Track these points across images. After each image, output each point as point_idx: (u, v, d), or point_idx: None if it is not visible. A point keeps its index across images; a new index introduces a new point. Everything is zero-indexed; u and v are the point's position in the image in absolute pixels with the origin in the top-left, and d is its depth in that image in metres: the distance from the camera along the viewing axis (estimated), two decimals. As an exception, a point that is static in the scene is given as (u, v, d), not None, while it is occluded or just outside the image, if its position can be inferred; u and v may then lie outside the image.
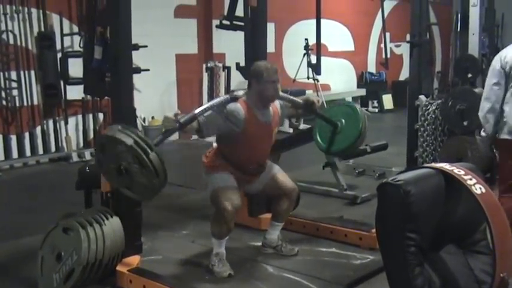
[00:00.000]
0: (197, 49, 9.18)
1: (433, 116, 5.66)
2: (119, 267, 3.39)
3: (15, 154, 7.10)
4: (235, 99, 3.53)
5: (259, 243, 3.99)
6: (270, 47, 8.21)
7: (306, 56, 9.63)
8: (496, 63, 3.79)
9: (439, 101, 5.71)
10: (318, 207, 5.01)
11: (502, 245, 2.16)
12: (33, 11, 7.18)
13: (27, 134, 7.21)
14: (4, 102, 7.02)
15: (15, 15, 7.04)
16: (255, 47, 4.61)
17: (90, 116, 7.75)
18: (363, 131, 4.45)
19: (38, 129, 7.33)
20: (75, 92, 7.13)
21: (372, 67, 12.91)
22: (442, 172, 2.30)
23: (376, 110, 12.43)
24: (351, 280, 3.50)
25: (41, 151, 7.33)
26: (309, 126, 5.52)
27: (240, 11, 5.32)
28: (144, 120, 8.31)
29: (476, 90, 5.58)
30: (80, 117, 7.68)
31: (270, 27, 8.11)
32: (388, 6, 12.22)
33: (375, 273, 3.50)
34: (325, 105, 9.42)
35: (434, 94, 11.50)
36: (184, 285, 3.45)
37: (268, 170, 3.82)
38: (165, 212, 4.99)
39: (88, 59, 3.73)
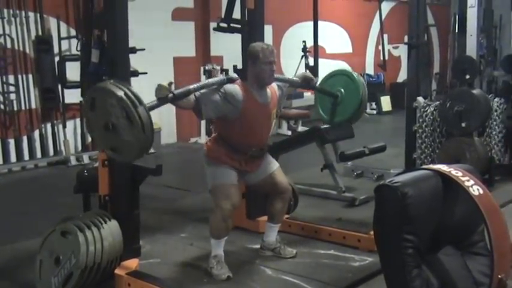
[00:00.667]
0: (195, 52, 9.18)
1: (431, 117, 5.67)
2: (117, 271, 3.38)
3: (13, 158, 7.10)
4: (231, 80, 3.52)
5: (258, 246, 3.99)
6: (268, 50, 8.21)
7: (303, 58, 9.64)
8: None
9: (437, 102, 5.72)
10: (316, 209, 5.01)
11: (500, 247, 2.16)
12: (31, 14, 7.18)
13: (25, 138, 7.21)
14: (2, 106, 7.02)
15: (13, 19, 7.04)
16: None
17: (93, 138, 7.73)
18: (364, 98, 4.42)
19: (36, 133, 7.32)
20: (73, 96, 7.12)
21: (370, 69, 12.92)
22: (440, 174, 2.31)
23: (374, 112, 12.46)
24: (349, 282, 3.50)
25: (39, 155, 7.33)
26: (307, 128, 5.52)
27: (237, 14, 5.32)
28: (142, 123, 8.29)
29: (475, 91, 5.59)
30: (78, 120, 7.68)
31: (268, 30, 8.11)
32: (385, 8, 12.24)
33: (373, 275, 3.50)
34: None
35: (432, 96, 11.55)
36: (182, 288, 3.45)
37: (268, 163, 3.82)
38: (163, 215, 4.98)
39: (85, 62, 3.73)
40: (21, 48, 7.14)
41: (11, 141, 7.09)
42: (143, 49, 3.91)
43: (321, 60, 9.46)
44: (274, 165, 3.86)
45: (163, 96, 3.25)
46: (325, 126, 5.16)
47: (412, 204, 2.16)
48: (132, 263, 3.46)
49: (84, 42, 3.85)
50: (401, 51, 12.16)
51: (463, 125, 5.39)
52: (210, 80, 3.48)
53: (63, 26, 7.46)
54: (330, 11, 11.32)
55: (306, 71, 9.50)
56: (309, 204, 5.06)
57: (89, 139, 7.76)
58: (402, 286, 2.20)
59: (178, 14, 8.84)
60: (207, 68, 8.91)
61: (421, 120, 5.70)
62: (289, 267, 3.71)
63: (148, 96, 8.01)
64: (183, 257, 3.95)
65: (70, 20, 7.53)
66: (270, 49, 3.57)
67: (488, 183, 5.41)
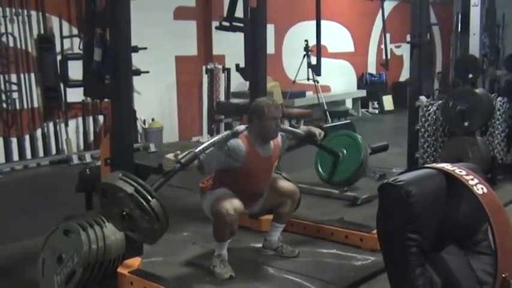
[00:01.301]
0: (197, 51, 9.17)
1: (434, 116, 5.67)
2: (119, 269, 3.38)
3: (15, 157, 7.10)
4: (236, 134, 3.54)
5: (260, 245, 3.98)
6: (270, 48, 8.24)
7: (306, 57, 9.62)
8: None
9: (440, 101, 5.71)
10: (318, 209, 5.00)
11: (504, 246, 2.16)
12: (33, 13, 7.17)
13: (27, 137, 7.21)
14: (4, 105, 7.02)
15: (15, 18, 7.04)
16: (254, 49, 4.61)
17: (91, 118, 7.75)
18: (365, 161, 4.47)
19: (39, 131, 7.33)
20: (75, 95, 7.13)
21: (372, 68, 12.91)
22: (443, 172, 2.30)
23: (377, 111, 12.44)
24: (351, 281, 3.49)
25: (41, 153, 7.33)
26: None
27: (239, 12, 5.32)
28: (144, 122, 8.31)
29: (477, 90, 5.58)
30: (80, 119, 7.68)
31: (270, 29, 8.11)
32: (388, 6, 12.22)
33: (375, 275, 3.49)
34: (325, 106, 9.46)
35: (434, 95, 11.53)
36: (185, 287, 3.44)
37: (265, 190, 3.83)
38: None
39: (88, 61, 3.72)
40: (23, 47, 7.14)
41: (14, 140, 7.09)
42: (145, 48, 3.92)
43: (323, 59, 9.45)
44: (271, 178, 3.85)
45: (170, 169, 3.26)
46: (327, 125, 5.17)
47: (415, 203, 2.16)
48: (135, 262, 3.46)
49: (87, 40, 3.83)
50: (404, 51, 12.14)
51: (466, 124, 5.38)
52: (215, 139, 3.49)
53: (66, 25, 7.46)
54: (332, 10, 11.31)
55: (308, 70, 9.53)
56: (311, 203, 5.06)
57: (91, 138, 7.77)
58: (405, 285, 2.20)
59: (180, 13, 8.84)
60: (209, 67, 8.91)
61: (423, 119, 5.69)
62: (292, 267, 3.71)
63: (150, 96, 8.03)
64: (186, 255, 3.95)
65: (72, 18, 7.53)
66: (275, 104, 3.58)
67: (491, 182, 5.39)
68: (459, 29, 6.54)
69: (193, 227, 4.54)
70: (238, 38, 5.16)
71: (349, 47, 12.38)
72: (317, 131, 3.96)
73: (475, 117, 5.39)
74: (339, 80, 11.95)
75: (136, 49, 3.63)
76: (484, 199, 2.16)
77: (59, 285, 3.20)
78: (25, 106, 7.19)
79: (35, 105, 7.27)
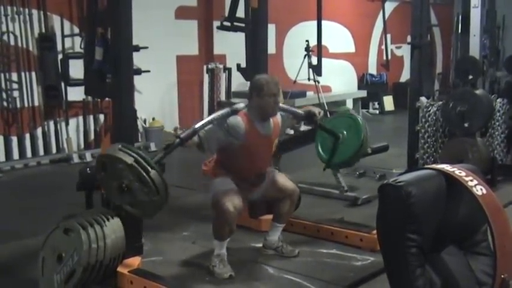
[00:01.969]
0: (198, 50, 9.18)
1: (434, 117, 5.67)
2: (119, 268, 3.38)
3: (16, 155, 7.10)
4: (235, 112, 3.54)
5: (260, 245, 3.99)
6: (271, 49, 8.22)
7: (306, 57, 9.63)
8: None
9: (440, 102, 5.71)
10: (318, 209, 5.00)
11: (503, 246, 2.16)
12: (34, 12, 7.17)
13: (28, 135, 7.21)
14: (5, 104, 7.02)
15: (16, 17, 7.04)
16: (255, 49, 4.61)
17: (91, 117, 7.75)
18: (365, 141, 4.45)
19: (39, 130, 7.33)
20: (76, 93, 7.13)
21: (372, 69, 12.91)
22: (443, 173, 2.31)
23: (377, 112, 12.44)
24: (351, 281, 3.50)
25: (41, 152, 7.33)
26: (309, 127, 5.52)
27: (240, 12, 5.32)
28: (144, 121, 8.31)
29: (477, 92, 5.59)
30: (80, 118, 7.68)
31: (271, 29, 8.10)
32: (389, 7, 12.23)
33: (375, 275, 3.50)
34: (326, 106, 9.46)
35: (435, 96, 11.50)
36: (185, 287, 3.45)
37: (267, 176, 3.83)
38: (165, 213, 4.93)
39: (89, 60, 3.72)
40: (24, 46, 7.14)
41: (14, 139, 7.09)
42: (147, 47, 3.93)
43: (324, 60, 9.47)
44: (272, 173, 3.86)
45: (170, 144, 3.27)
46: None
47: (415, 203, 2.17)
48: (135, 261, 3.47)
49: (88, 40, 3.84)
50: (404, 51, 12.14)
51: (466, 125, 5.39)
52: (214, 115, 3.50)
53: (67, 24, 7.46)
54: (333, 11, 11.31)
55: (308, 70, 9.53)
56: (311, 203, 5.06)
57: (92, 137, 7.77)
58: (405, 285, 2.20)
59: (182, 13, 8.84)
60: (210, 66, 8.91)
61: (423, 120, 5.70)
62: (292, 266, 3.71)
63: (151, 95, 8.02)
64: (186, 255, 3.95)
65: (73, 17, 7.53)
66: (274, 81, 3.59)
67: (490, 183, 5.40)
68: (459, 30, 6.54)
69: (193, 226, 4.54)
70: (239, 37, 5.16)
71: (350, 48, 12.38)
72: (317, 110, 3.96)
73: (475, 118, 5.39)
74: (340, 81, 11.95)
75: (137, 48, 3.63)
76: (484, 200, 2.16)
77: (58, 284, 3.20)
78: (26, 105, 7.19)
79: (36, 103, 7.27)
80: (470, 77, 5.73)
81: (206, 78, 8.93)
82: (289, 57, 10.54)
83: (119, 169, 3.02)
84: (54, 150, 7.45)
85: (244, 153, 3.58)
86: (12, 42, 7.04)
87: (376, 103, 12.51)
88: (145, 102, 7.99)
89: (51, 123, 7.42)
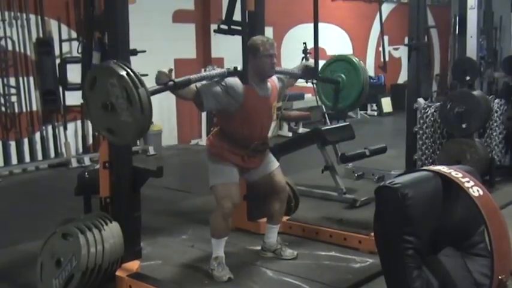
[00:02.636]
0: (195, 54, 9.19)
1: (432, 118, 5.67)
2: (118, 273, 3.38)
3: (14, 160, 7.11)
4: (233, 73, 3.52)
5: (259, 247, 3.99)
6: (269, 51, 8.21)
7: (304, 59, 9.63)
8: None
9: (438, 103, 5.72)
10: (317, 211, 5.01)
11: (500, 247, 2.17)
12: (32, 17, 7.19)
13: (26, 140, 7.22)
14: (3, 109, 7.03)
15: (14, 22, 7.05)
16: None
17: (89, 121, 7.75)
18: (365, 82, 4.40)
19: (37, 135, 7.33)
20: (74, 98, 7.13)
21: (370, 70, 12.92)
22: (440, 175, 2.31)
23: (375, 113, 12.46)
24: (350, 284, 3.50)
25: (40, 157, 7.34)
26: (307, 130, 5.54)
27: (237, 16, 5.33)
28: (143, 125, 8.29)
29: (475, 92, 5.59)
30: (79, 122, 7.69)
31: (268, 32, 8.10)
32: (386, 9, 12.25)
33: (374, 277, 3.50)
34: (324, 109, 9.46)
35: (432, 97, 11.55)
36: (183, 290, 3.45)
37: (269, 161, 3.83)
38: (164, 217, 4.99)
39: (86, 64, 3.73)
40: (22, 51, 7.15)
41: (12, 143, 7.10)
42: (144, 51, 3.92)
43: (321, 62, 9.44)
44: (274, 164, 3.87)
45: (163, 82, 3.23)
46: (325, 127, 5.15)
47: (412, 205, 2.17)
48: (133, 265, 3.46)
49: (85, 44, 3.85)
50: (402, 53, 12.17)
51: (464, 126, 5.39)
52: (212, 72, 3.47)
53: (64, 28, 7.47)
54: (331, 13, 11.33)
55: (302, 61, 9.53)
56: (309, 205, 5.07)
57: (90, 141, 7.77)
58: (403, 287, 2.21)
59: (179, 16, 8.85)
60: (207, 70, 8.91)
61: (421, 121, 5.70)
62: (290, 269, 3.71)
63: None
64: (184, 258, 3.95)
65: (71, 22, 7.54)
66: (270, 42, 3.59)
67: (488, 184, 5.42)
68: (457, 32, 6.57)
69: (192, 230, 4.54)
70: (237, 41, 5.15)
71: (348, 50, 12.38)
72: (312, 62, 3.97)
73: (473, 119, 5.40)
74: (338, 83, 11.94)
75: (135, 52, 3.63)
76: (480, 201, 2.17)
77: (57, 289, 3.20)
78: (24, 109, 7.20)
79: (34, 108, 7.28)
80: (468, 78, 5.74)
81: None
82: (286, 60, 10.50)
83: (109, 83, 2.93)
84: (52, 154, 7.45)
85: (244, 115, 3.54)
86: (10, 47, 7.05)
87: (374, 105, 12.54)
88: (144, 106, 7.98)
89: (50, 128, 7.42)
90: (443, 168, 2.33)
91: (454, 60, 8.54)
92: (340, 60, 4.62)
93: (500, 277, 2.14)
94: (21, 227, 4.81)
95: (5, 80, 7.03)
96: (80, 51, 4.16)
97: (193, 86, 3.38)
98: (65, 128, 7.50)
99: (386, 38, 10.84)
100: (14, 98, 7.10)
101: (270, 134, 3.97)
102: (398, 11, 12.57)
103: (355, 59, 4.53)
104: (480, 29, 6.33)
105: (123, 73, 2.89)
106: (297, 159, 6.01)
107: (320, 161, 5.49)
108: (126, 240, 3.37)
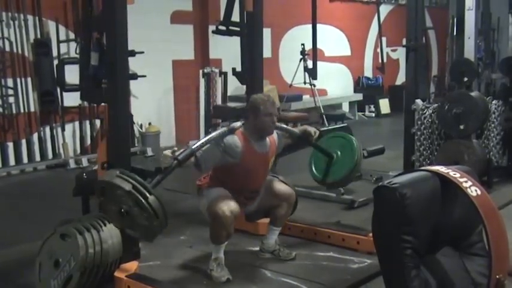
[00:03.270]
0: (194, 55, 9.19)
1: (430, 120, 5.69)
2: (117, 273, 3.38)
3: (12, 161, 7.10)
4: (232, 131, 3.56)
5: (257, 248, 3.99)
6: (267, 52, 8.25)
7: (302, 61, 9.66)
8: None
9: (436, 105, 5.73)
10: (315, 212, 5.01)
11: (498, 247, 2.17)
12: (29, 17, 7.18)
13: (24, 141, 7.21)
14: (1, 110, 7.02)
15: (11, 22, 7.05)
16: (251, 52, 4.62)
17: (87, 122, 7.75)
18: (358, 163, 4.49)
19: (35, 136, 7.32)
20: (71, 99, 7.12)
21: (368, 72, 12.94)
22: (438, 175, 2.32)
23: (373, 115, 12.47)
24: (348, 284, 3.50)
25: (38, 158, 7.33)
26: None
27: (236, 17, 5.33)
28: (141, 126, 8.32)
29: (473, 94, 5.60)
30: (77, 123, 7.69)
31: (267, 33, 8.12)
32: (384, 10, 12.27)
33: (372, 277, 3.50)
34: (322, 110, 9.48)
35: (430, 98, 11.59)
36: (182, 291, 3.45)
37: (262, 187, 3.84)
38: (162, 218, 4.98)
39: (84, 65, 3.73)
40: (19, 52, 7.15)
41: (10, 145, 7.09)
42: (142, 52, 3.93)
43: (319, 63, 9.48)
44: (266, 180, 3.86)
45: (167, 166, 3.30)
46: (324, 128, 5.17)
47: (410, 205, 2.17)
48: (132, 266, 3.47)
49: (83, 45, 3.84)
50: (400, 54, 12.17)
51: (462, 127, 5.40)
52: (212, 135, 3.52)
53: (62, 29, 7.47)
54: (329, 14, 11.35)
55: (304, 74, 9.55)
56: (308, 206, 5.06)
57: (88, 142, 7.77)
58: (401, 287, 2.21)
59: (177, 17, 8.85)
60: (205, 71, 8.92)
61: (419, 122, 5.71)
62: (289, 270, 3.72)
63: (147, 100, 8.03)
64: (183, 259, 3.95)
65: (69, 23, 7.53)
66: (271, 101, 3.61)
67: (486, 185, 5.42)
68: (454, 33, 6.58)
69: (190, 230, 4.54)
70: (235, 42, 5.17)
71: (346, 51, 12.41)
72: (312, 130, 3.99)
73: (471, 120, 5.41)
74: (336, 84, 11.98)
75: (133, 53, 3.64)
76: (478, 201, 2.17)
77: (56, 289, 3.20)
78: (21, 110, 7.20)
79: (32, 109, 7.28)
80: (466, 79, 5.75)
81: (202, 82, 8.94)
82: (284, 61, 10.56)
83: (118, 195, 3.05)
84: (50, 155, 7.45)
85: (241, 171, 3.59)
86: (7, 48, 7.05)
87: (372, 106, 12.55)
88: (142, 107, 8.00)
89: (47, 129, 7.41)
90: (441, 168, 2.33)
91: (452, 61, 8.57)
92: (339, 137, 4.71)
93: (498, 277, 2.15)
94: (19, 227, 4.81)
95: (3, 80, 7.02)
96: (78, 52, 4.15)
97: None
98: (63, 129, 7.50)
99: (384, 39, 10.86)
100: (11, 99, 7.09)
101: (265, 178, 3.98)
102: (397, 12, 12.59)
103: (353, 139, 4.61)
104: (478, 30, 6.34)
105: (129, 188, 3.00)
106: (295, 160, 6.00)
107: (318, 161, 5.49)
108: (124, 240, 3.37)
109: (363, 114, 12.35)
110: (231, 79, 7.86)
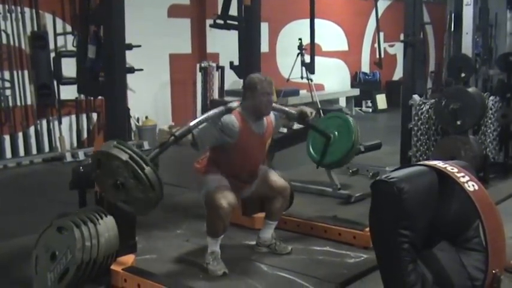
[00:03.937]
0: (191, 49, 9.17)
1: (427, 115, 5.69)
2: (113, 266, 3.38)
3: (8, 154, 7.08)
4: (229, 110, 3.55)
5: (253, 242, 4.00)
6: (264, 47, 8.25)
7: (299, 55, 9.64)
8: None
9: (433, 100, 5.73)
10: (312, 207, 5.02)
11: (495, 242, 2.18)
12: (26, 10, 7.16)
13: (20, 134, 7.19)
14: (-3, 102, 7.01)
15: (8, 15, 7.02)
16: (248, 47, 4.61)
17: (84, 115, 7.74)
18: (356, 142, 4.48)
19: (32, 129, 7.31)
20: (68, 92, 7.11)
21: (365, 67, 12.94)
22: (435, 169, 2.32)
23: (370, 110, 12.47)
24: (344, 278, 3.51)
25: (34, 151, 7.31)
26: (302, 126, 5.54)
27: (233, 11, 5.32)
28: (137, 120, 8.30)
29: (470, 89, 5.61)
30: (73, 117, 7.67)
31: (264, 27, 8.10)
32: (381, 5, 12.24)
33: (368, 272, 3.51)
34: (319, 105, 9.47)
35: (427, 94, 11.59)
36: (179, 284, 3.45)
37: (259, 174, 3.84)
38: (159, 211, 4.93)
39: (81, 58, 3.72)
40: (16, 44, 7.12)
41: (7, 138, 7.07)
42: (139, 46, 3.92)
43: (317, 58, 9.47)
44: (264, 169, 3.88)
45: (164, 141, 3.29)
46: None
47: (407, 199, 2.18)
48: (128, 259, 3.47)
49: (80, 38, 3.83)
50: (397, 50, 12.16)
51: (458, 123, 5.41)
52: (209, 114, 3.51)
53: (59, 22, 7.44)
54: (326, 9, 11.32)
55: (302, 69, 9.53)
56: (304, 201, 5.07)
57: (85, 135, 7.76)
58: (397, 281, 2.21)
59: (175, 11, 8.83)
60: (203, 65, 8.91)
61: (416, 118, 5.71)
62: (285, 264, 3.72)
63: (144, 94, 8.01)
64: (179, 253, 3.96)
65: (66, 15, 7.51)
66: (267, 80, 3.61)
67: (483, 181, 5.43)
68: (452, 28, 6.57)
69: (187, 224, 4.54)
70: (232, 36, 5.15)
71: (343, 46, 12.40)
72: (309, 110, 3.98)
73: (468, 116, 5.41)
74: (333, 79, 11.97)
75: (130, 47, 3.64)
76: (475, 196, 2.17)
77: (52, 283, 3.19)
78: (18, 103, 7.18)
79: (28, 102, 7.26)
80: (463, 75, 5.75)
81: (199, 76, 8.92)
82: (282, 56, 10.54)
83: (114, 166, 3.02)
84: (47, 149, 7.43)
85: (238, 151, 3.58)
86: (4, 41, 7.01)
87: (369, 101, 12.54)
88: (139, 100, 7.98)
89: (44, 122, 7.40)
90: (438, 163, 2.34)
91: (449, 57, 8.56)
92: (336, 118, 4.69)
93: (494, 271, 2.15)
94: (15, 221, 4.80)
95: (0, 73, 7.00)
96: (75, 45, 4.14)
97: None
98: (60, 122, 7.48)
99: (382, 34, 10.86)
100: (8, 92, 7.07)
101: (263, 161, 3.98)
102: (394, 8, 12.57)
103: (350, 119, 4.59)
104: (476, 26, 6.33)
105: (126, 158, 2.97)
106: (292, 155, 6.01)
107: (315, 156, 5.49)
108: (121, 234, 3.37)
109: (360, 110, 12.35)
110: (228, 73, 7.87)
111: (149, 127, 8.25)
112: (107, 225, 3.32)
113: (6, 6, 6.99)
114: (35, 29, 7.23)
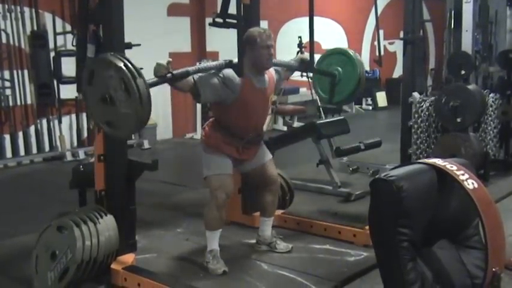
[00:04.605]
0: (190, 47, 9.17)
1: (427, 113, 5.69)
2: (113, 265, 3.38)
3: (9, 153, 7.10)
4: (230, 64, 3.50)
5: (253, 241, 4.00)
6: (264, 45, 8.20)
7: (299, 53, 9.62)
8: None
9: (433, 98, 5.73)
10: (312, 205, 5.02)
11: (495, 240, 2.17)
12: (26, 9, 7.16)
13: (21, 134, 7.20)
14: (-3, 102, 7.01)
15: (8, 14, 7.02)
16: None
17: (84, 115, 7.74)
18: (362, 75, 4.40)
19: (32, 128, 7.32)
20: (68, 91, 7.12)
21: (365, 64, 12.91)
22: (435, 167, 2.31)
23: (370, 108, 12.47)
24: (344, 277, 3.51)
25: (34, 150, 7.33)
26: (302, 124, 5.54)
27: (233, 9, 5.31)
28: (138, 118, 8.29)
29: (470, 87, 5.60)
30: (73, 116, 7.68)
31: (264, 25, 8.05)
32: (381, 3, 12.22)
33: (368, 270, 3.51)
34: (319, 103, 9.45)
35: (427, 91, 11.56)
36: (179, 283, 3.45)
37: (263, 153, 3.84)
38: (159, 210, 4.99)
39: (81, 57, 3.71)
40: (16, 44, 7.13)
41: (7, 137, 7.08)
42: (139, 44, 3.90)
43: (316, 56, 9.45)
44: (267, 156, 3.88)
45: (162, 75, 3.22)
46: (320, 121, 5.15)
47: (407, 197, 2.17)
48: (129, 258, 3.47)
49: (80, 37, 3.83)
50: (397, 47, 12.16)
51: (459, 120, 5.41)
52: (209, 64, 3.48)
53: (59, 21, 7.45)
54: (326, 7, 11.32)
55: (297, 54, 9.51)
56: (304, 199, 5.08)
57: (85, 134, 7.76)
58: (397, 279, 2.21)
59: (174, 10, 8.83)
60: (203, 62, 8.90)
61: (416, 115, 5.71)
62: (285, 262, 3.72)
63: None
64: (179, 252, 3.96)
65: (65, 15, 7.52)
66: (267, 33, 3.59)
67: (483, 178, 5.43)
68: (452, 26, 6.56)
69: (187, 223, 4.55)
70: (232, 34, 5.14)
71: (343, 44, 12.38)
72: (308, 56, 3.98)
73: (468, 113, 5.41)
74: (333, 77, 11.95)
75: (129, 46, 3.62)
76: (475, 194, 2.16)
77: (52, 282, 3.20)
78: (18, 103, 7.19)
79: (28, 102, 7.27)
80: (463, 72, 5.75)
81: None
82: (281, 54, 10.46)
83: (106, 76, 2.94)
84: (47, 148, 7.45)
85: (240, 107, 3.53)
86: (4, 40, 7.02)
87: (369, 99, 12.56)
88: (138, 99, 7.97)
89: (44, 121, 7.41)
90: (438, 161, 2.33)
91: (449, 54, 8.55)
92: (336, 53, 4.61)
93: (494, 269, 2.15)
94: (16, 220, 4.80)
95: (0, 73, 7.00)
96: (74, 44, 4.13)
97: (190, 78, 3.36)
98: (60, 122, 7.49)
99: (381, 32, 10.84)
100: (8, 92, 7.08)
101: (265, 128, 3.97)
102: (394, 5, 12.54)
103: (351, 52, 4.52)
104: (476, 23, 6.33)
105: (121, 64, 2.88)
106: (292, 153, 6.01)
107: (315, 155, 5.50)
108: (121, 233, 3.38)
109: (360, 107, 12.35)
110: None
111: (149, 126, 8.23)
112: (107, 224, 3.32)
113: (6, 6, 7.00)
114: (35, 28, 7.24)
